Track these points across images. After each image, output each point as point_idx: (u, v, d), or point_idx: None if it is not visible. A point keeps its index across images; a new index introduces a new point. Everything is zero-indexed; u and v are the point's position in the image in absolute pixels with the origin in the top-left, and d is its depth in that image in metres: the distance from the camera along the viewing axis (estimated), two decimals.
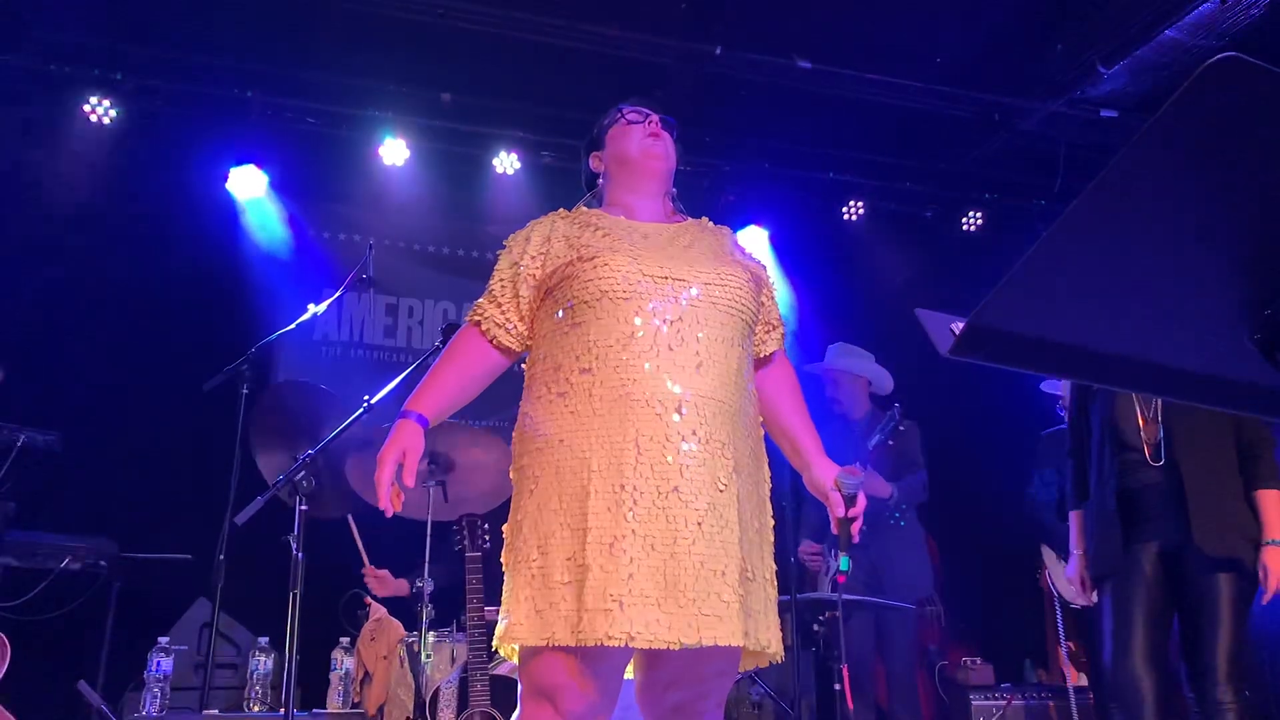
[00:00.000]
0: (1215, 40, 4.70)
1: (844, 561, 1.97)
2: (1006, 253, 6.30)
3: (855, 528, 1.98)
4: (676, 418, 1.81)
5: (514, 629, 1.81)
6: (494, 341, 2.06)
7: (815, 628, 4.00)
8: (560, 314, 1.95)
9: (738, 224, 6.23)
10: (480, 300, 2.09)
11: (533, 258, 2.02)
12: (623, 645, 1.70)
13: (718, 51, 5.13)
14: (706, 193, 6.17)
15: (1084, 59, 5.17)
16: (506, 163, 5.77)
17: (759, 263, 2.19)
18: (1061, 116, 5.62)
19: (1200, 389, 1.01)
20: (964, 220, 6.53)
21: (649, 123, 2.20)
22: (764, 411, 2.10)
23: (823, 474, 2.05)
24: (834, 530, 2.00)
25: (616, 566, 1.72)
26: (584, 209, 2.17)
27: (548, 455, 1.87)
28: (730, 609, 1.75)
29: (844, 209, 6.38)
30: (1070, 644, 5.20)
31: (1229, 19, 4.60)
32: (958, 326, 0.91)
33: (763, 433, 2.07)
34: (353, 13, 4.91)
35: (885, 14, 5.01)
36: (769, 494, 2.03)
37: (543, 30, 4.98)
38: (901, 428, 4.30)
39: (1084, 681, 4.97)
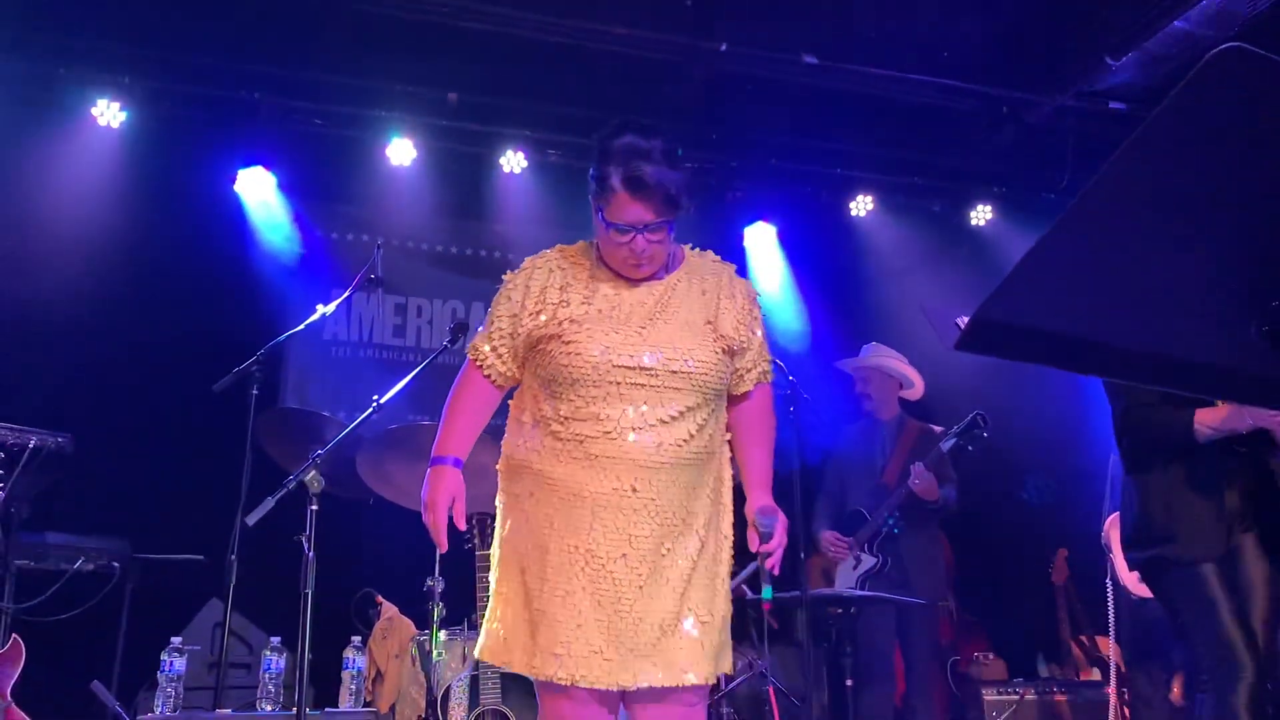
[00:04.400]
0: (1224, 31, 4.67)
1: (766, 591, 2.11)
2: (1015, 246, 6.31)
3: (769, 563, 2.13)
4: (631, 493, 2.02)
5: (483, 647, 2.12)
6: (495, 383, 2.26)
7: (829, 621, 4.01)
8: (544, 384, 2.15)
9: (745, 220, 6.23)
10: (479, 343, 2.25)
11: (531, 315, 2.16)
12: (568, 685, 1.95)
13: (723, 48, 5.12)
14: (714, 189, 6.17)
15: (1092, 51, 5.14)
16: (513, 162, 5.77)
17: (751, 298, 2.27)
18: (1070, 109, 5.59)
19: (1207, 381, 1.01)
20: (972, 214, 6.51)
21: (633, 245, 2.09)
22: (732, 439, 2.28)
23: (753, 506, 2.21)
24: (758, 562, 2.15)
25: (568, 617, 1.98)
26: (586, 247, 2.25)
27: (520, 504, 2.13)
28: (663, 657, 2.00)
29: (852, 204, 6.37)
30: (1082, 637, 5.19)
31: (1238, 9, 4.57)
32: (963, 321, 0.91)
33: (730, 473, 2.26)
34: (359, 13, 4.92)
35: (891, 8, 5.00)
36: (730, 530, 2.21)
37: (549, 29, 4.98)
38: (985, 435, 4.27)
39: (1096, 675, 4.96)
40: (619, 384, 2.05)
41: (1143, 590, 4.13)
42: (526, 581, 2.04)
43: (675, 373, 2.07)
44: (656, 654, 2.00)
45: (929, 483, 4.23)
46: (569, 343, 2.08)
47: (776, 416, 2.40)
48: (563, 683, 1.95)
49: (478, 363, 2.24)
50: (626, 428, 2.04)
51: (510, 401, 2.28)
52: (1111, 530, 4.25)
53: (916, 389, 4.68)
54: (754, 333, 2.26)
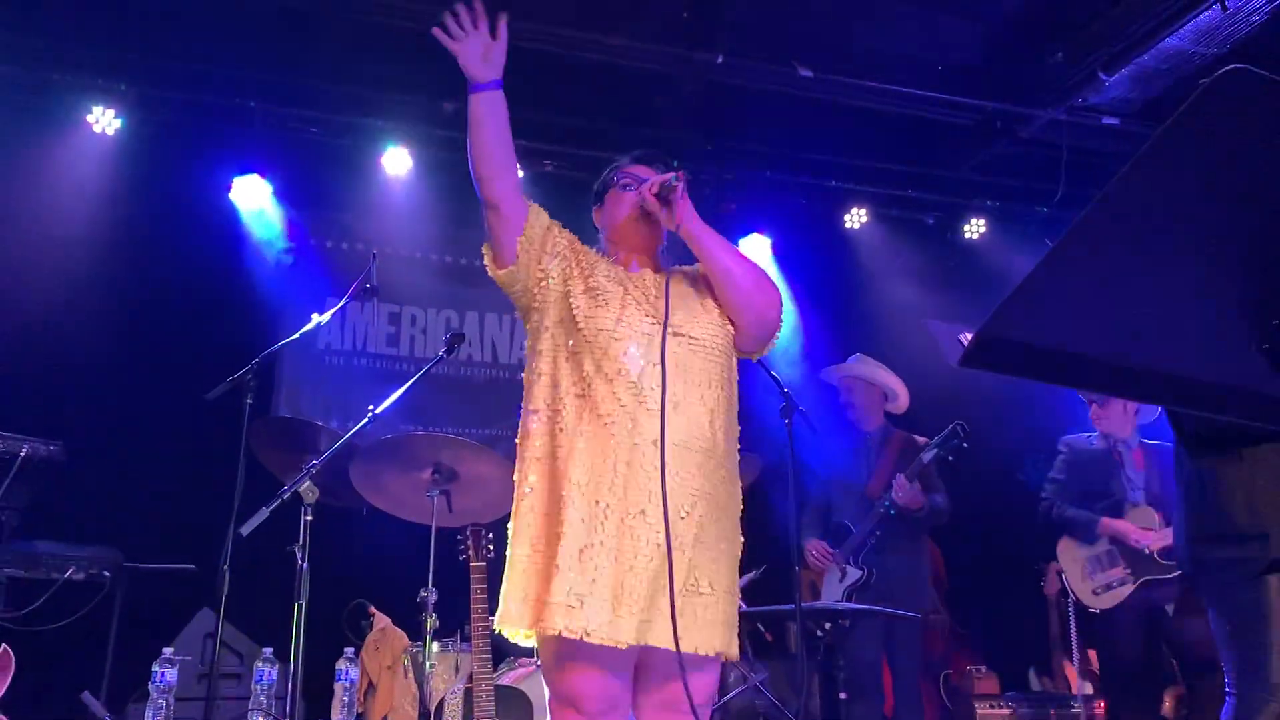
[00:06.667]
0: (1217, 48, 4.70)
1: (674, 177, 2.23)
2: (1008, 260, 6.34)
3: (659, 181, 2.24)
4: (652, 450, 2.04)
5: (504, 616, 2.09)
6: (522, 200, 2.30)
7: (819, 634, 4.00)
8: (564, 341, 2.19)
9: (740, 232, 6.24)
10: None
11: (571, 242, 2.29)
12: (578, 639, 1.94)
13: (719, 60, 5.13)
14: (709, 201, 6.17)
15: (1085, 66, 5.17)
16: None
17: None
18: (1063, 124, 5.62)
19: (1209, 398, 1.01)
20: (966, 227, 6.53)
21: (640, 190, 2.29)
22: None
23: None
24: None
25: (583, 570, 1.98)
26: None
27: (539, 466, 2.13)
28: (667, 618, 1.98)
29: (846, 216, 6.39)
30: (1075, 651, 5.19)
31: (1231, 27, 4.60)
32: (967, 337, 0.91)
33: (738, 460, 2.27)
34: (355, 22, 4.93)
35: (886, 21, 5.02)
36: (740, 515, 2.24)
37: (545, 39, 4.99)
38: (965, 445, 4.26)
39: (1090, 690, 4.96)
40: (639, 340, 2.12)
41: (1097, 603, 4.21)
42: (546, 538, 2.05)
43: (685, 335, 2.16)
44: (659, 615, 1.99)
45: (911, 494, 4.24)
46: (594, 297, 2.18)
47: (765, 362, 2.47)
48: (573, 635, 1.93)
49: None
50: (647, 385, 2.08)
51: (524, 375, 2.28)
52: (1062, 551, 4.38)
53: (901, 402, 4.68)
54: None
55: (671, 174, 2.21)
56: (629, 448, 2.05)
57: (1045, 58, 5.26)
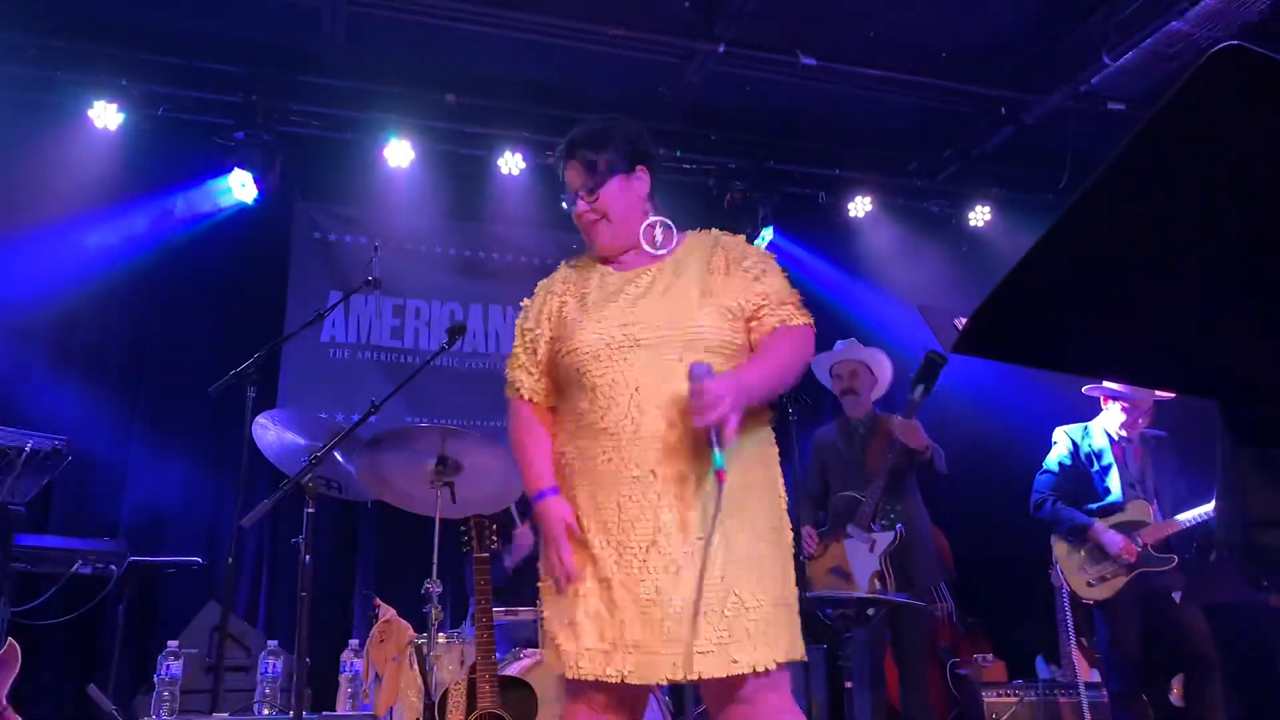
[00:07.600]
0: (1222, 32, 4.67)
1: (716, 458, 1.89)
2: (1014, 247, 6.30)
3: (699, 421, 1.93)
4: (653, 478, 2.00)
5: (548, 658, 2.10)
6: (537, 401, 2.24)
7: (825, 623, 3.98)
8: (559, 388, 2.18)
9: (743, 221, 6.22)
10: (512, 371, 2.27)
11: (536, 323, 2.24)
12: (618, 682, 1.93)
13: (721, 49, 5.12)
14: (713, 190, 6.16)
15: (1090, 51, 5.14)
16: (511, 163, 5.76)
17: (740, 260, 2.23)
18: (1068, 110, 5.60)
19: (1206, 383, 1.00)
20: (971, 215, 6.51)
21: (577, 208, 2.24)
22: None
23: None
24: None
25: (610, 614, 1.98)
26: (582, 256, 2.33)
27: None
28: (709, 645, 1.94)
29: (850, 205, 6.36)
30: (1082, 639, 5.18)
31: (1236, 11, 4.57)
32: (961, 323, 0.90)
33: (776, 451, 2.18)
34: (357, 15, 4.92)
35: (889, 9, 5.00)
36: (776, 506, 2.12)
37: (546, 30, 4.98)
38: (943, 364, 4.08)
39: (1096, 677, 4.96)
40: (621, 367, 2.04)
41: (1091, 594, 4.20)
42: (568, 588, 2.04)
43: (675, 342, 2.04)
44: (704, 643, 1.93)
45: (912, 429, 4.12)
46: (565, 339, 2.13)
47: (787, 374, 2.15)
48: (612, 679, 1.93)
49: (515, 385, 2.24)
50: (635, 411, 2.01)
51: None
52: (1056, 544, 4.36)
53: (882, 386, 4.65)
54: (756, 288, 2.20)
55: (715, 449, 1.92)
56: (629, 482, 2.00)
57: (1050, 44, 5.23)
